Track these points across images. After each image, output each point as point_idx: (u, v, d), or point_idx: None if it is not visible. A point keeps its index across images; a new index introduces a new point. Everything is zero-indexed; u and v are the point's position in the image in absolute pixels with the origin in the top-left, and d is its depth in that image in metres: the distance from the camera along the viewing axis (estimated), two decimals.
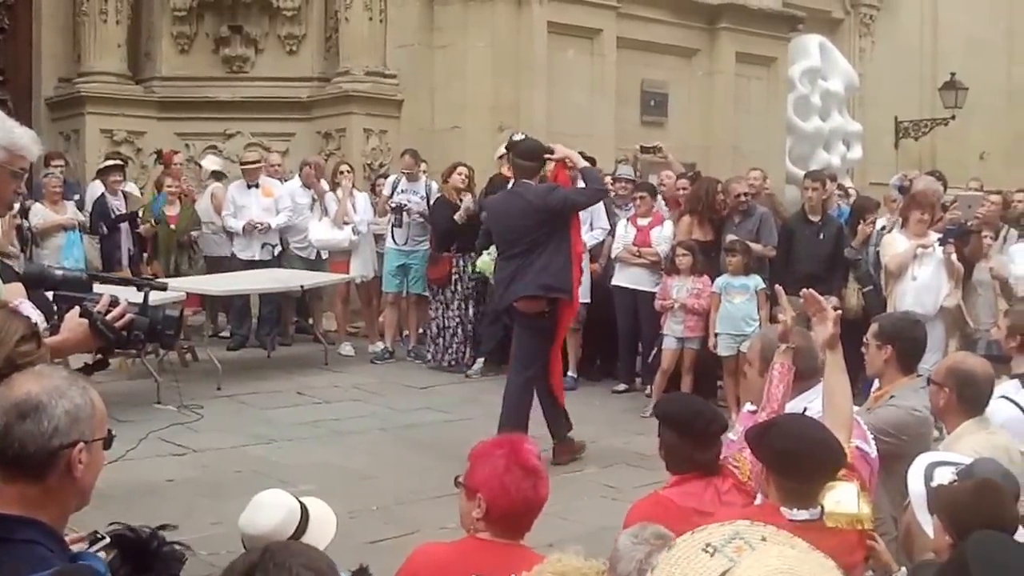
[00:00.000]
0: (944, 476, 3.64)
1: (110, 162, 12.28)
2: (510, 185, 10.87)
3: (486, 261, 8.89)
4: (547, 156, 8.15)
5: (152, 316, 3.39)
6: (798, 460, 3.38)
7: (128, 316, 3.31)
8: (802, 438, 3.44)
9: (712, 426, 4.06)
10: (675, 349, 9.85)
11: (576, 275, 8.11)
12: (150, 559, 2.51)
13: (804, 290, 4.39)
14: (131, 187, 12.48)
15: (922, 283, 9.42)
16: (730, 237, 10.18)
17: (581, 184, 8.23)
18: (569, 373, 10.56)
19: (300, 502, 3.50)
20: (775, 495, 3.42)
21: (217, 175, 12.70)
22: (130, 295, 3.44)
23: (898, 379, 4.86)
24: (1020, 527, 3.33)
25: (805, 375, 4.25)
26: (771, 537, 2.20)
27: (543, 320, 7.90)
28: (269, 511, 3.49)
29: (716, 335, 9.67)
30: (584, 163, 8.18)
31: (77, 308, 3.28)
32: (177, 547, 2.58)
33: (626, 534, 3.20)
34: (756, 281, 9.76)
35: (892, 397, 4.80)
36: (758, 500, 3.77)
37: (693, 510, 3.70)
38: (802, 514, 3.31)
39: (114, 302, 3.31)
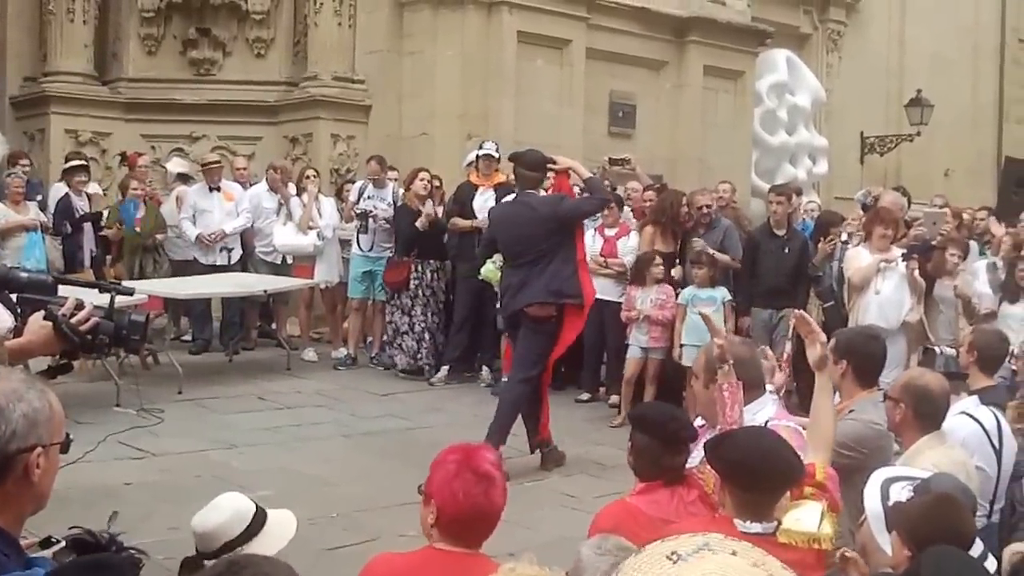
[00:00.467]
0: (900, 492, 3.67)
1: (75, 162, 12.19)
2: (474, 190, 10.94)
3: (491, 270, 8.94)
4: (550, 167, 8.33)
5: (118, 320, 3.34)
6: (752, 471, 3.39)
7: (93, 320, 3.25)
8: (757, 449, 3.44)
9: (683, 432, 4.08)
10: (640, 358, 9.91)
11: (585, 280, 8.30)
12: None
13: (796, 311, 4.45)
14: (94, 187, 12.38)
15: (885, 297, 9.49)
16: (697, 244, 10.19)
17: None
18: None
19: (258, 507, 3.47)
20: (730, 506, 3.42)
21: (183, 177, 12.64)
22: (95, 298, 3.40)
23: (857, 393, 4.89)
24: (977, 540, 3.37)
25: (749, 386, 4.25)
26: (742, 552, 2.18)
27: (550, 324, 8.08)
28: (219, 510, 3.46)
29: (682, 346, 9.73)
30: (588, 173, 8.47)
31: (42, 311, 3.24)
32: (135, 552, 2.55)
33: (589, 545, 3.19)
34: (723, 293, 9.84)
35: (851, 412, 4.82)
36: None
37: (660, 519, 3.71)
38: (755, 527, 3.30)
39: (79, 305, 3.27)
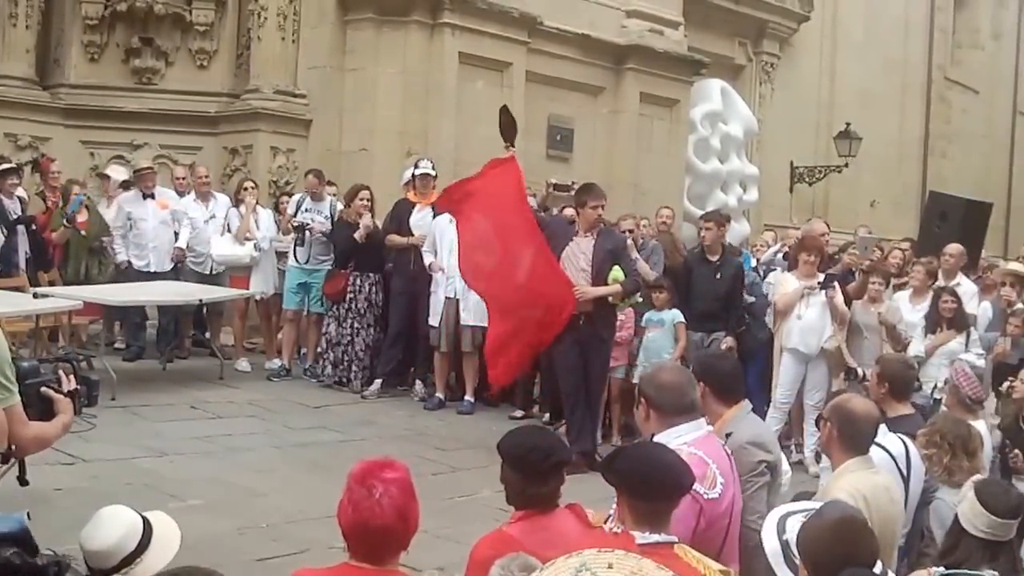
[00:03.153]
0: (796, 525, 3.69)
1: (6, 165, 12.11)
2: (411, 207, 11.02)
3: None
4: None
5: (88, 385, 4.06)
6: (643, 478, 3.49)
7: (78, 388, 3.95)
8: (647, 459, 3.58)
9: (548, 460, 3.92)
10: None
11: None
12: None
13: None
14: (20, 191, 12.28)
15: (807, 323, 9.74)
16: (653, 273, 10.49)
17: None
18: (466, 397, 10.73)
19: (144, 518, 3.44)
20: (628, 519, 3.51)
21: (126, 185, 12.60)
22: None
23: (724, 411, 4.80)
24: (879, 562, 3.45)
25: (672, 412, 4.32)
26: (618, 563, 2.27)
27: None
28: (109, 527, 3.40)
29: (632, 366, 10.10)
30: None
31: (51, 390, 3.85)
32: None
33: (496, 565, 3.27)
34: (673, 315, 10.08)
35: (729, 434, 4.67)
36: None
37: (537, 547, 3.58)
38: (653, 537, 3.38)
39: (66, 371, 3.95)
